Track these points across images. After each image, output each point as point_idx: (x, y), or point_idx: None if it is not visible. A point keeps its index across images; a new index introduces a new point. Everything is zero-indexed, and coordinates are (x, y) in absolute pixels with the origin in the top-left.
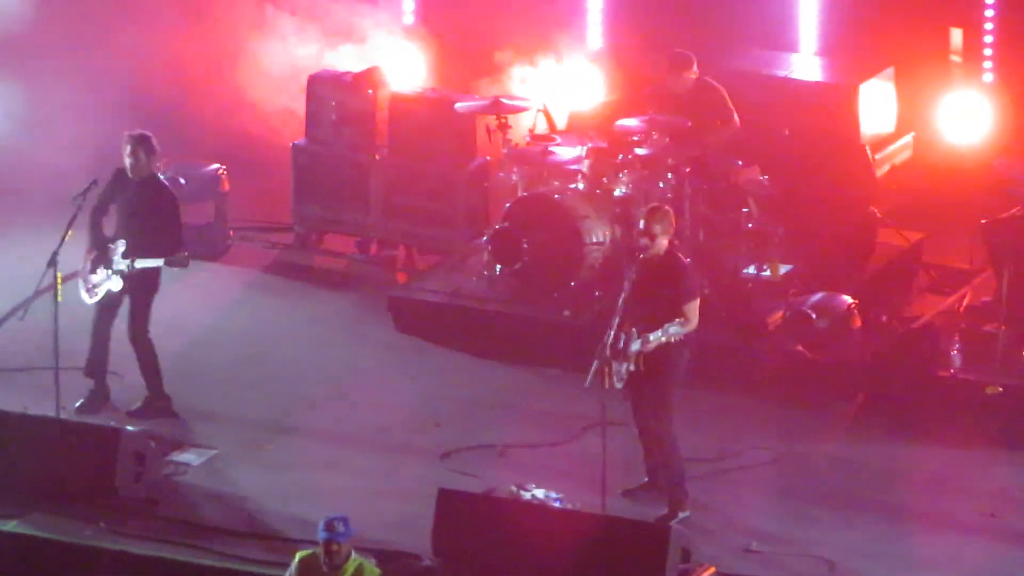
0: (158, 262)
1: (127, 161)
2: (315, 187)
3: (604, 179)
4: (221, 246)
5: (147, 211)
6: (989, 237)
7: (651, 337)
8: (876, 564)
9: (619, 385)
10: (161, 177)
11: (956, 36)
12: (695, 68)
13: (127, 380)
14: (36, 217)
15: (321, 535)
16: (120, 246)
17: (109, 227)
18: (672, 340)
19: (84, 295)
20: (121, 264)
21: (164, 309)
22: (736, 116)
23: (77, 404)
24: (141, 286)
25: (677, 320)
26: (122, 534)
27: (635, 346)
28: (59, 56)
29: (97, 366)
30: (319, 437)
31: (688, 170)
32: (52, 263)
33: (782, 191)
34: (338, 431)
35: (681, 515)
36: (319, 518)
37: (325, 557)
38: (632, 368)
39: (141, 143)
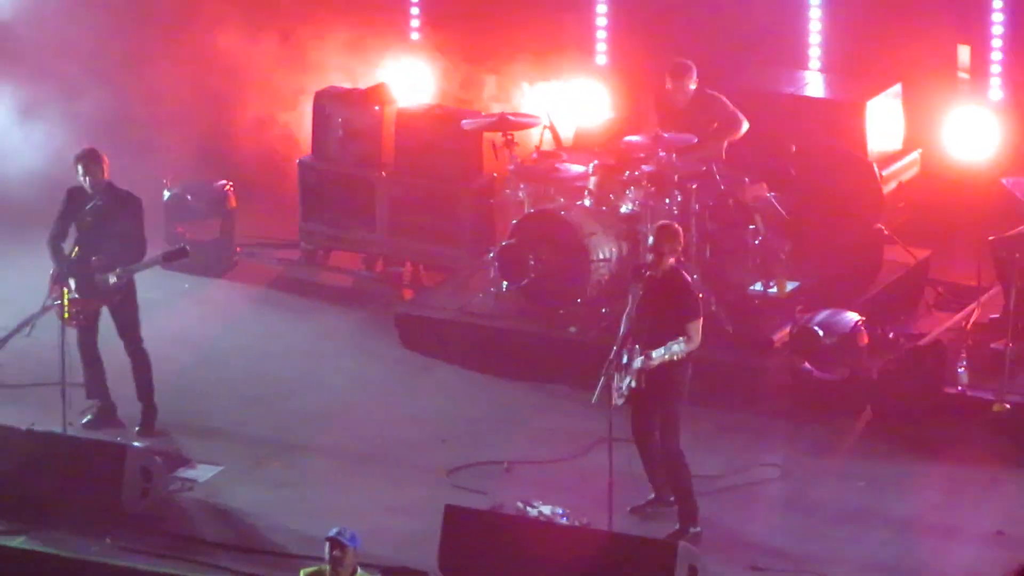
0: (155, 263)
1: (85, 179)
2: (321, 203)
3: (611, 196)
4: (227, 262)
5: (118, 219)
6: (997, 254)
7: (654, 354)
8: None
9: (619, 402)
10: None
11: (963, 53)
12: (695, 77)
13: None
14: (41, 233)
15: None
16: (94, 263)
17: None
18: (675, 359)
19: (69, 323)
20: (110, 278)
21: (170, 325)
22: (742, 118)
23: (84, 420)
24: (124, 296)
25: (680, 338)
26: (128, 550)
27: (637, 363)
28: (70, 70)
29: (97, 385)
30: (325, 454)
31: (695, 187)
32: (57, 279)
33: (789, 208)
34: (344, 447)
35: (692, 530)
36: (324, 535)
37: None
38: (633, 384)
39: (93, 157)
